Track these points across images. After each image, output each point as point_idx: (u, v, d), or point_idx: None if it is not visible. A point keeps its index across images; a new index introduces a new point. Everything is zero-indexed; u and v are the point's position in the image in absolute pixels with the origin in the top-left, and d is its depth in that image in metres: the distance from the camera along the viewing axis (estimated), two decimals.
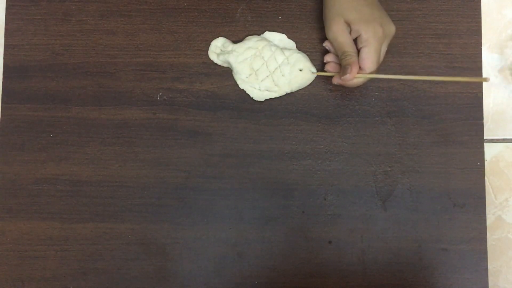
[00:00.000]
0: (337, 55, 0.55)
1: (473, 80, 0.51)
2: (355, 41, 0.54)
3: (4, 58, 0.60)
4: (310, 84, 0.59)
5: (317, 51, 0.59)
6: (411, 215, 0.58)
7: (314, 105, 0.59)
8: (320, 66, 0.59)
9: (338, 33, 0.53)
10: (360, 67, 0.53)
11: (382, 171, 0.58)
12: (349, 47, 0.53)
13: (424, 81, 0.59)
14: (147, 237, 0.58)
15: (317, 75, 0.58)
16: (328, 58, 0.57)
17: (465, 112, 0.59)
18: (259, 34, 0.59)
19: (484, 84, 0.59)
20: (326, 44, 0.57)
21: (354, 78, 0.53)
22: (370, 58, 0.53)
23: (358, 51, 0.53)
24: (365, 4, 0.53)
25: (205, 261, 0.58)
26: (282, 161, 0.59)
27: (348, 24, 0.53)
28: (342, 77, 0.53)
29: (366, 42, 0.52)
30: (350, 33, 0.53)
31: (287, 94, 0.59)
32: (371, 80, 0.57)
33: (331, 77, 0.56)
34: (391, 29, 0.54)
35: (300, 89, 0.59)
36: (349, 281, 0.58)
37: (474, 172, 0.58)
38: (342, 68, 0.54)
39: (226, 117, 0.59)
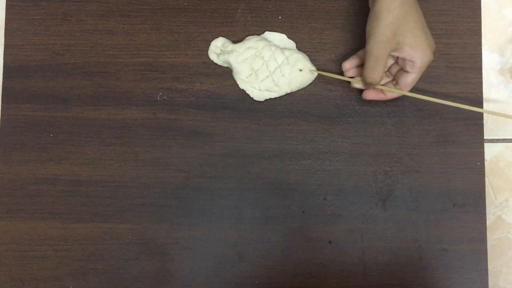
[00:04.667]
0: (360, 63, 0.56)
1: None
2: (400, 60, 0.53)
3: (4, 58, 0.60)
4: (310, 84, 0.59)
5: (317, 51, 0.59)
6: (411, 215, 0.58)
7: (314, 105, 0.59)
8: (320, 66, 0.59)
9: (382, 51, 0.51)
10: (397, 87, 0.54)
11: (382, 171, 0.58)
12: (381, 72, 0.52)
13: (424, 81, 0.59)
14: (147, 237, 0.58)
15: (317, 75, 0.58)
16: (347, 66, 0.56)
17: (465, 112, 0.59)
18: (259, 34, 0.59)
19: (484, 84, 0.59)
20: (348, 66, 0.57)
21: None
22: (413, 83, 0.54)
23: (395, 69, 0.55)
24: (420, 28, 0.51)
25: (205, 261, 0.58)
26: (282, 161, 0.59)
27: (400, 46, 0.51)
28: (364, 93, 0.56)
29: (416, 70, 0.52)
30: (399, 52, 0.52)
31: (287, 94, 0.59)
32: None
33: (332, 77, 0.56)
34: (434, 50, 0.53)
35: (300, 89, 0.59)
36: (349, 281, 0.58)
37: (474, 172, 0.58)
38: (365, 85, 0.55)
39: (226, 117, 0.59)
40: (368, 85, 0.54)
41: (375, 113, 0.59)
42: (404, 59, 0.52)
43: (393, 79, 0.55)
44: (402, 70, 0.53)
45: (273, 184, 0.58)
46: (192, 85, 0.59)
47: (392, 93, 0.55)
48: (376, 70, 0.52)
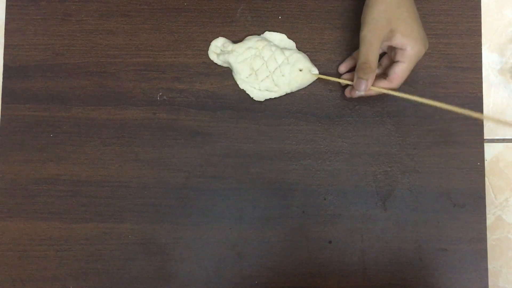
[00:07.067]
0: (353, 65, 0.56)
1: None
2: (391, 51, 0.53)
3: (4, 58, 0.60)
4: (310, 84, 0.59)
5: (317, 51, 0.59)
6: (411, 215, 0.58)
7: (314, 105, 0.59)
8: (320, 66, 0.59)
9: (376, 38, 0.52)
10: (387, 79, 0.53)
11: (382, 171, 0.58)
12: (375, 58, 0.52)
13: (424, 81, 0.59)
14: (147, 237, 0.58)
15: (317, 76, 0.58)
16: (343, 69, 0.58)
17: None
18: (259, 34, 0.59)
19: (484, 84, 0.59)
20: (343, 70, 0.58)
21: (364, 92, 0.54)
22: (403, 76, 0.53)
23: (387, 61, 0.55)
24: (414, 19, 0.52)
25: (205, 261, 0.58)
26: (282, 161, 0.59)
27: (392, 34, 0.52)
28: (356, 90, 0.54)
29: (407, 59, 0.52)
30: (391, 41, 0.52)
31: (287, 94, 0.59)
32: None
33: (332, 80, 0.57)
34: (427, 48, 0.53)
35: (300, 89, 0.59)
36: (349, 281, 0.58)
37: (474, 172, 0.58)
38: (357, 80, 0.53)
39: (226, 117, 0.59)
40: (361, 77, 0.52)
41: (375, 113, 0.59)
42: (395, 48, 0.53)
43: (384, 72, 0.55)
44: (393, 61, 0.54)
45: (273, 184, 0.58)
46: (192, 85, 0.59)
47: (374, 90, 0.54)
48: (369, 56, 0.52)
